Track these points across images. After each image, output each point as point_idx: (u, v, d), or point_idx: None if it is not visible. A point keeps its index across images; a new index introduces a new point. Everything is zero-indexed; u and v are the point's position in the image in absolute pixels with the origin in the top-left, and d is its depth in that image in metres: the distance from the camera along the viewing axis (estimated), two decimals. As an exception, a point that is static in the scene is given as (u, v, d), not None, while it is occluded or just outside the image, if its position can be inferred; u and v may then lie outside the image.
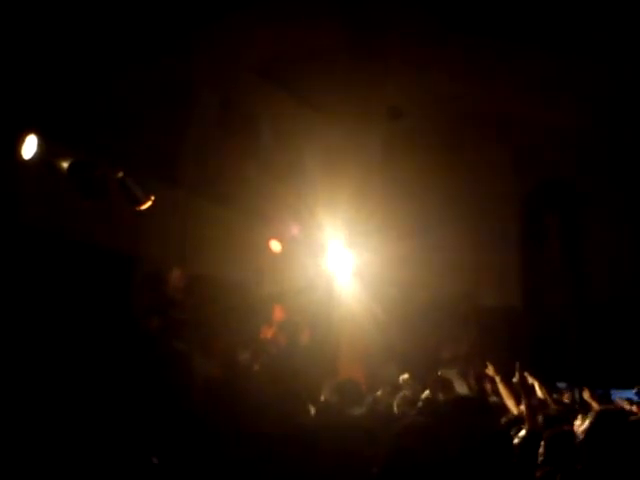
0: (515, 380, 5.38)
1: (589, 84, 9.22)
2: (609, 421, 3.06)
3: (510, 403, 5.26)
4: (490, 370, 5.77)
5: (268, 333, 8.53)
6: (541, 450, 3.87)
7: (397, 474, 2.84)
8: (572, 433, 4.08)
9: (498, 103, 10.30)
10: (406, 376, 7.01)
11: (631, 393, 8.24)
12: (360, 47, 8.48)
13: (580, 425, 4.86)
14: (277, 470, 3.57)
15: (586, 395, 6.46)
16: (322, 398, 5.73)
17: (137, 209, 6.11)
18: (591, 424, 3.02)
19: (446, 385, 6.15)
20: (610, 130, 10.30)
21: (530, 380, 5.80)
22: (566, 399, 7.76)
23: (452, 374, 8.33)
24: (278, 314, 8.73)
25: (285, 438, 3.49)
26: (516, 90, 9.89)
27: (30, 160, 5.34)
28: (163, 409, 3.85)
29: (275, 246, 8.56)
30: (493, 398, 6.01)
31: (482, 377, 6.78)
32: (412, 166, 10.26)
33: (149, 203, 6.11)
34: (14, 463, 3.58)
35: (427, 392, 6.09)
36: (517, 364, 5.35)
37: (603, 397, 7.31)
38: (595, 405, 5.85)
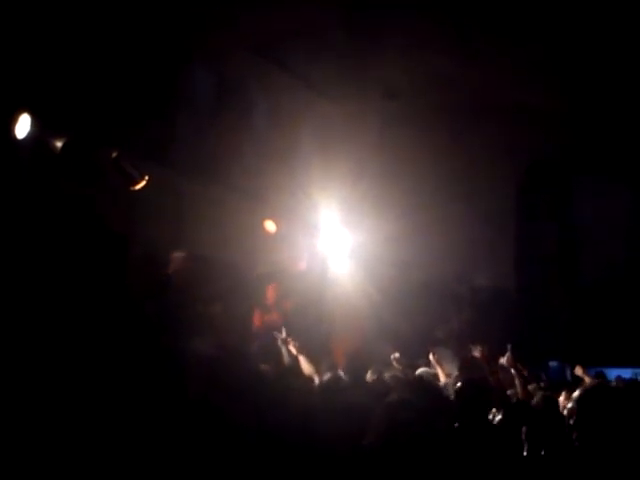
0: (505, 359, 5.47)
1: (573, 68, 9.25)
2: (596, 394, 3.13)
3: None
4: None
5: (264, 313, 8.54)
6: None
7: (391, 446, 2.86)
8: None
9: (493, 86, 10.27)
10: (397, 355, 7.11)
11: (623, 371, 8.31)
12: (358, 26, 8.42)
13: (564, 401, 4.94)
14: (276, 450, 3.58)
15: (579, 371, 6.52)
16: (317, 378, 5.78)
17: (131, 189, 6.08)
18: (578, 399, 3.09)
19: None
20: (595, 110, 10.31)
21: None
22: None
23: (446, 354, 8.39)
24: (272, 294, 8.74)
25: (285, 418, 3.50)
26: (507, 73, 9.87)
27: (24, 139, 5.30)
28: (158, 392, 3.85)
29: (270, 226, 8.55)
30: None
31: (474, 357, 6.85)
32: (407, 146, 10.22)
33: (143, 183, 6.09)
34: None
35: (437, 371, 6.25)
36: (509, 346, 5.46)
37: (598, 376, 7.37)
38: (587, 380, 5.92)
